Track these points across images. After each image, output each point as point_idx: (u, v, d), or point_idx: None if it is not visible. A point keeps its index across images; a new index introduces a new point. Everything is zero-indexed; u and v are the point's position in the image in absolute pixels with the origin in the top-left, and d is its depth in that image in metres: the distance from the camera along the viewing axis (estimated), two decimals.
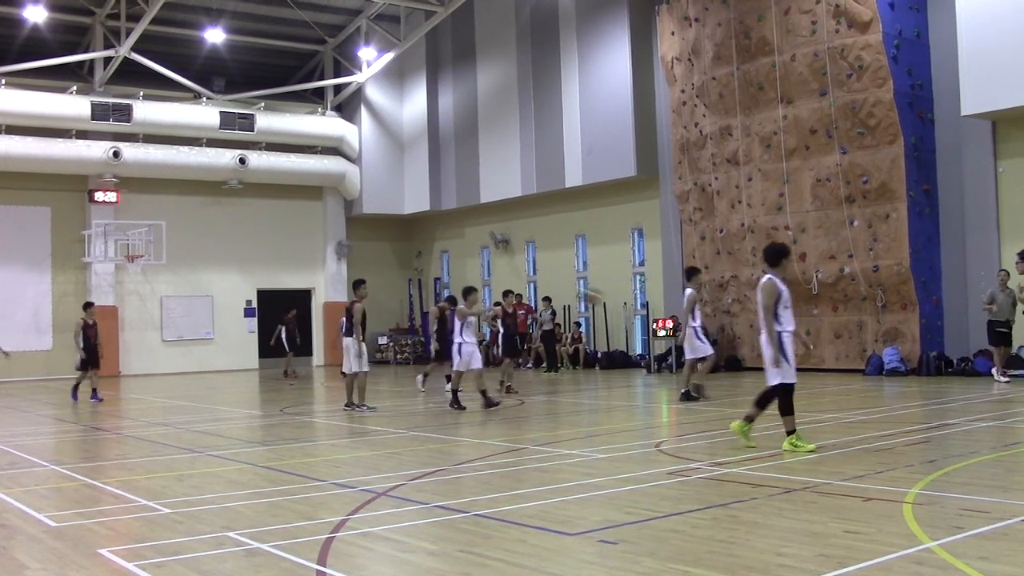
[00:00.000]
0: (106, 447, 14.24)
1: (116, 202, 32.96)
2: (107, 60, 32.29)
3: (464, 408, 17.11)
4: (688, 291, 18.09)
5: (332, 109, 37.46)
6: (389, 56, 34.80)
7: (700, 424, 14.30)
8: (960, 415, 14.28)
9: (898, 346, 22.55)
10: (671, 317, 26.68)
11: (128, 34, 30.93)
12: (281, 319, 31.40)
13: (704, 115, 26.22)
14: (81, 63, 33.21)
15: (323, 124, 36.83)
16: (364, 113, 37.28)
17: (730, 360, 26.01)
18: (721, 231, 25.92)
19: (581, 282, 32.06)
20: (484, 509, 8.14)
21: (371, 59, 35.34)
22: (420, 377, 22.39)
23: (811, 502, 8.15)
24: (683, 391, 17.74)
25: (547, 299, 29.68)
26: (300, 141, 36.36)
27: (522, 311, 30.75)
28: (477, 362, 17.62)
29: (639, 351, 29.95)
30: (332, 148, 36.98)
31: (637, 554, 6.56)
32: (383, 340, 37.83)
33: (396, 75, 37.45)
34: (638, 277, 30.54)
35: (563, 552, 6.76)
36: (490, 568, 6.34)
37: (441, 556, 6.79)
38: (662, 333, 27.14)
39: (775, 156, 24.43)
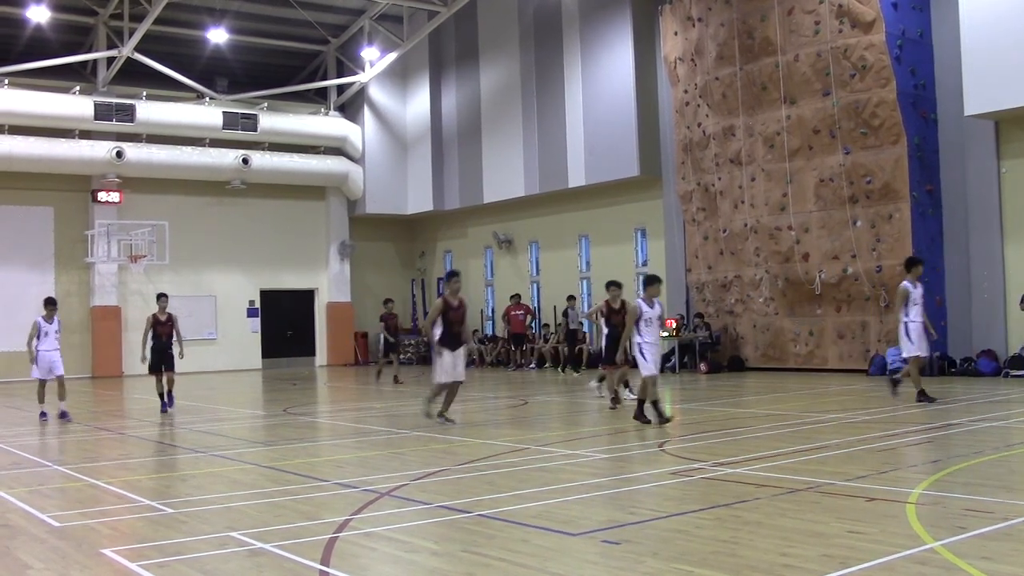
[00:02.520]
0: (109, 447, 14.25)
1: (119, 202, 32.99)
2: (110, 60, 32.28)
3: (650, 422, 14.05)
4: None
5: (335, 109, 37.47)
6: (392, 56, 34.80)
7: (703, 424, 14.30)
8: (963, 415, 14.28)
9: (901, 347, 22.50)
10: (675, 317, 26.66)
11: (131, 34, 30.93)
12: (380, 315, 27.96)
13: (707, 115, 26.20)
14: (84, 63, 33.22)
15: (326, 124, 36.84)
16: (367, 113, 37.28)
17: (733, 360, 26.01)
18: (724, 231, 25.91)
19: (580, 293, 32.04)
20: (487, 509, 8.14)
21: (374, 59, 35.33)
22: (595, 383, 19.72)
23: (814, 502, 8.14)
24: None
25: (571, 298, 29.60)
26: (303, 141, 36.37)
27: (520, 311, 30.78)
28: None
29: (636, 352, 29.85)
30: (335, 148, 36.98)
31: (640, 554, 6.55)
32: None
33: (399, 75, 37.45)
34: (641, 278, 30.43)
35: (566, 552, 6.76)
36: (493, 568, 6.34)
37: (444, 556, 6.79)
38: (665, 333, 27.07)
39: (778, 156, 24.42)
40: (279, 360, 36.15)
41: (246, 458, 12.35)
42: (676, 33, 27.01)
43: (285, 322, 36.80)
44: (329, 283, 37.45)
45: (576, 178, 30.64)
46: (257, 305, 36.13)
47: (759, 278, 25.06)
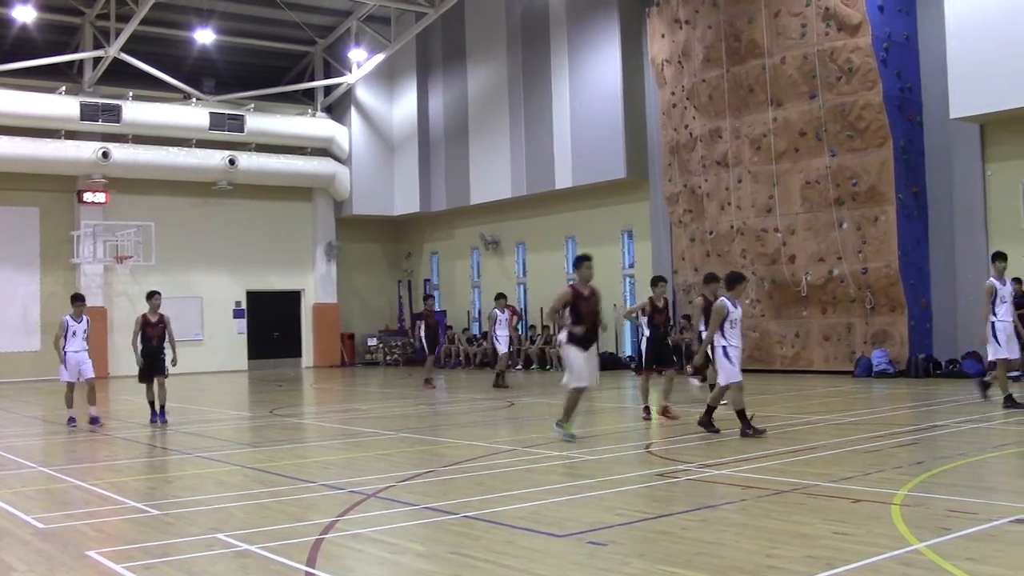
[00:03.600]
0: (95, 449, 14.20)
1: (105, 203, 32.90)
2: (96, 60, 32.20)
3: (718, 431, 12.87)
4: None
5: (322, 110, 37.43)
6: (379, 57, 34.79)
7: (689, 426, 14.30)
8: (948, 417, 14.34)
9: (887, 348, 22.61)
10: None
11: (117, 34, 30.84)
12: (420, 313, 26.42)
13: (694, 117, 26.26)
14: (70, 63, 33.13)
15: (313, 125, 36.80)
16: (354, 114, 37.26)
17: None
18: (711, 233, 25.95)
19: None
20: (473, 511, 8.15)
21: (361, 60, 35.32)
22: (696, 382, 18.35)
23: (800, 503, 8.17)
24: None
25: None
26: (290, 142, 36.33)
27: (508, 312, 30.74)
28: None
29: (628, 353, 29.96)
30: (322, 149, 36.95)
31: (626, 555, 6.57)
32: (372, 341, 37.84)
33: (386, 76, 37.44)
34: (628, 279, 30.57)
35: (552, 554, 6.77)
36: (479, 569, 6.35)
37: (430, 558, 6.80)
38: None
39: (765, 158, 24.48)
40: (265, 361, 36.07)
41: (233, 459, 12.33)
42: (663, 35, 27.06)
43: (271, 323, 36.73)
44: (316, 284, 37.40)
45: (563, 180, 30.68)
46: (243, 306, 36.07)
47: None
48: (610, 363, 29.32)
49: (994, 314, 14.96)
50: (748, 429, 12.44)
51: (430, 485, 9.76)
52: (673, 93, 26.93)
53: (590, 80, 29.83)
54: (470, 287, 36.22)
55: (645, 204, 29.43)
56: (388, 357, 37.37)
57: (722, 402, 13.21)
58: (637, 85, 29.03)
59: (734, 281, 13.13)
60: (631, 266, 30.37)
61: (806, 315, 24.14)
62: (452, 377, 29.01)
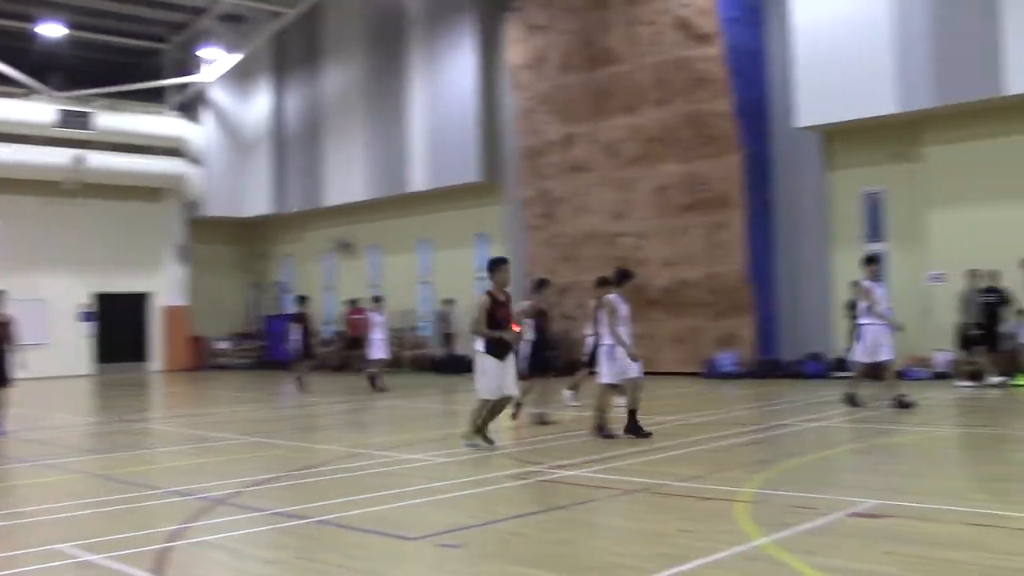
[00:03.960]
0: None
1: None
2: None
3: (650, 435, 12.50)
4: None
5: (174, 109, 36.57)
6: (234, 56, 34.20)
7: (542, 427, 14.40)
8: (791, 416, 14.78)
9: (734, 350, 23.19)
10: (514, 322, 26.86)
11: None
12: (295, 315, 24.63)
13: (549, 122, 26.51)
14: None
15: (164, 124, 35.92)
16: (207, 114, 36.54)
17: (571, 364, 26.24)
18: (564, 237, 26.23)
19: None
20: (324, 515, 8.07)
21: (215, 59, 34.67)
22: (569, 393, 17.53)
23: (649, 503, 8.33)
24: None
25: (449, 301, 29.51)
26: (141, 141, 35.33)
27: (360, 315, 30.48)
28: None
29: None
30: (173, 149, 36.07)
31: (479, 557, 6.60)
32: (223, 344, 37.17)
33: (241, 75, 36.80)
34: (481, 283, 30.66)
35: (404, 557, 6.76)
36: (328, 575, 6.31)
37: (279, 564, 6.73)
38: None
39: (618, 164, 24.88)
40: (113, 365, 35.04)
41: (77, 467, 11.98)
42: (520, 40, 27.26)
43: (119, 326, 35.71)
44: (165, 287, 36.50)
45: (418, 182, 30.65)
46: (90, 309, 35.00)
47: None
48: (465, 366, 29.30)
49: (866, 316, 15.11)
50: (604, 431, 12.50)
51: (281, 490, 9.64)
52: (529, 98, 27.15)
53: (446, 83, 29.87)
54: (323, 290, 35.86)
55: (499, 208, 29.58)
56: (239, 361, 36.76)
57: (617, 402, 13.17)
58: (493, 89, 29.17)
59: (623, 278, 13.05)
60: (484, 269, 30.45)
61: (656, 318, 24.57)
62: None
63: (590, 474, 9.78)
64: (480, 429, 12.04)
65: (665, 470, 9.88)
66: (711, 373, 23.17)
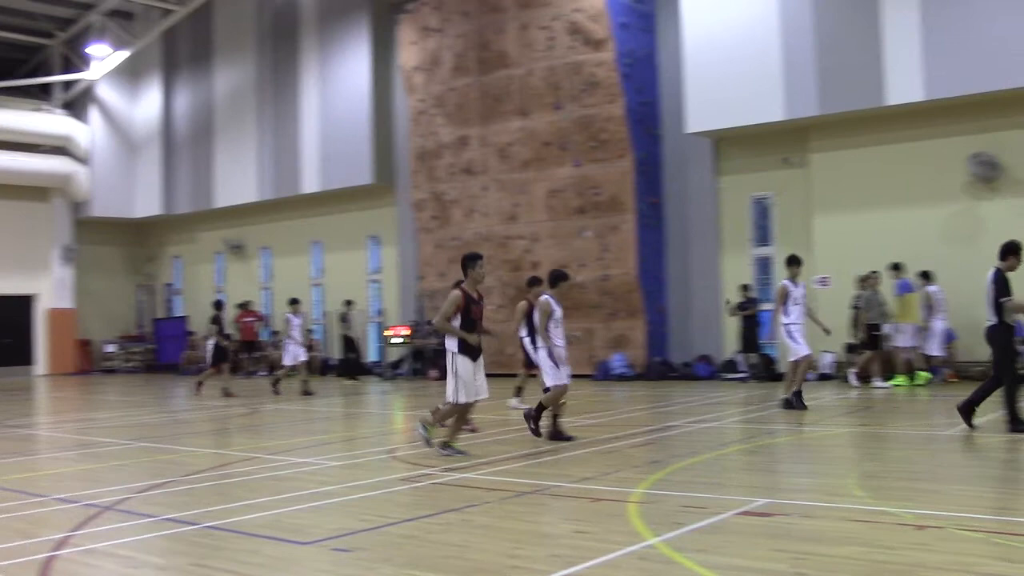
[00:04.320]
0: None
1: None
2: None
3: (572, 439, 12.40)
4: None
5: (60, 107, 35.67)
6: (122, 54, 33.49)
7: (436, 431, 14.33)
8: (682, 417, 14.96)
9: (625, 352, 23.42)
10: (407, 324, 26.89)
11: None
12: (216, 318, 23.35)
13: (442, 125, 26.49)
14: None
15: (50, 122, 35.00)
16: (95, 112, 35.72)
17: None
18: (456, 240, 26.23)
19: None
20: (216, 520, 7.92)
21: (103, 56, 33.89)
22: (515, 400, 16.94)
23: (542, 504, 8.35)
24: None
25: (349, 302, 28.91)
26: (25, 139, 34.36)
27: (251, 318, 30.14)
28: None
29: (374, 358, 29.93)
30: (60, 147, 35.19)
31: (372, 561, 6.54)
32: (111, 348, 36.39)
33: (130, 73, 36.05)
34: (373, 285, 30.54)
35: (296, 562, 6.66)
36: None
37: (170, 571, 6.57)
38: (397, 340, 27.33)
39: (511, 167, 24.97)
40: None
41: None
42: (414, 42, 27.20)
43: (2, 329, 34.70)
44: (51, 288, 35.56)
45: (310, 184, 30.39)
46: None
47: (490, 286, 25.48)
48: (356, 369, 29.12)
49: (786, 315, 14.94)
50: (535, 426, 12.46)
51: (170, 495, 9.44)
52: (422, 100, 27.09)
53: (339, 84, 29.66)
54: (214, 292, 35.32)
55: (392, 210, 29.49)
56: (128, 364, 36.02)
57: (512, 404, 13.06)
58: (387, 91, 29.07)
59: (557, 279, 12.73)
60: (377, 272, 30.35)
61: None
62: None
63: (483, 476, 9.77)
64: (452, 436, 11.48)
65: (558, 472, 9.92)
66: (603, 375, 23.36)
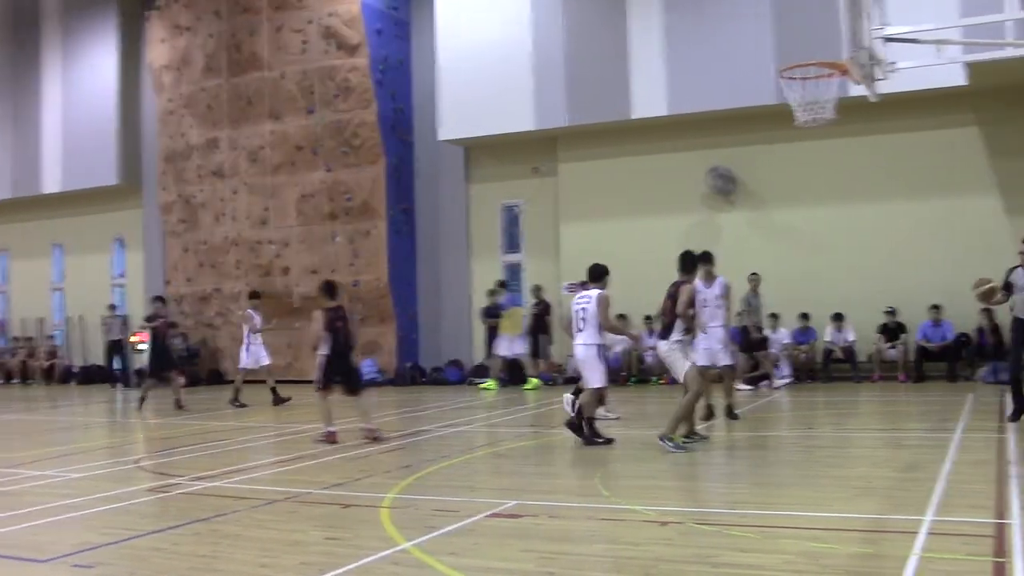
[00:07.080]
0: None
1: None
2: None
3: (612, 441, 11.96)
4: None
5: None
6: None
7: (180, 439, 14.04)
8: (433, 422, 15.12)
9: (376, 358, 23.44)
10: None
11: None
12: (147, 318, 19.63)
13: (192, 126, 25.85)
14: None
15: None
16: None
17: (212, 373, 25.71)
18: (205, 244, 25.64)
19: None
20: None
21: None
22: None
23: (292, 512, 8.30)
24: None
25: (112, 307, 27.67)
26: None
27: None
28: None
29: (117, 365, 28.81)
30: None
31: None
32: None
33: None
34: (118, 289, 29.45)
35: None
36: None
37: None
38: (141, 347, 26.39)
39: (262, 170, 24.61)
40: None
41: None
42: (163, 40, 26.44)
43: None
44: None
45: (51, 184, 29.05)
46: None
47: (239, 291, 25.00)
48: (98, 376, 28.04)
49: (715, 320, 13.55)
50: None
51: None
52: (171, 100, 26.35)
53: (84, 81, 28.49)
54: None
55: (138, 212, 28.52)
56: None
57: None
58: (135, 88, 28.14)
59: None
60: (122, 275, 29.29)
61: (299, 326, 24.38)
62: None
63: (231, 485, 9.63)
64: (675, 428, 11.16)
65: (308, 479, 9.88)
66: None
